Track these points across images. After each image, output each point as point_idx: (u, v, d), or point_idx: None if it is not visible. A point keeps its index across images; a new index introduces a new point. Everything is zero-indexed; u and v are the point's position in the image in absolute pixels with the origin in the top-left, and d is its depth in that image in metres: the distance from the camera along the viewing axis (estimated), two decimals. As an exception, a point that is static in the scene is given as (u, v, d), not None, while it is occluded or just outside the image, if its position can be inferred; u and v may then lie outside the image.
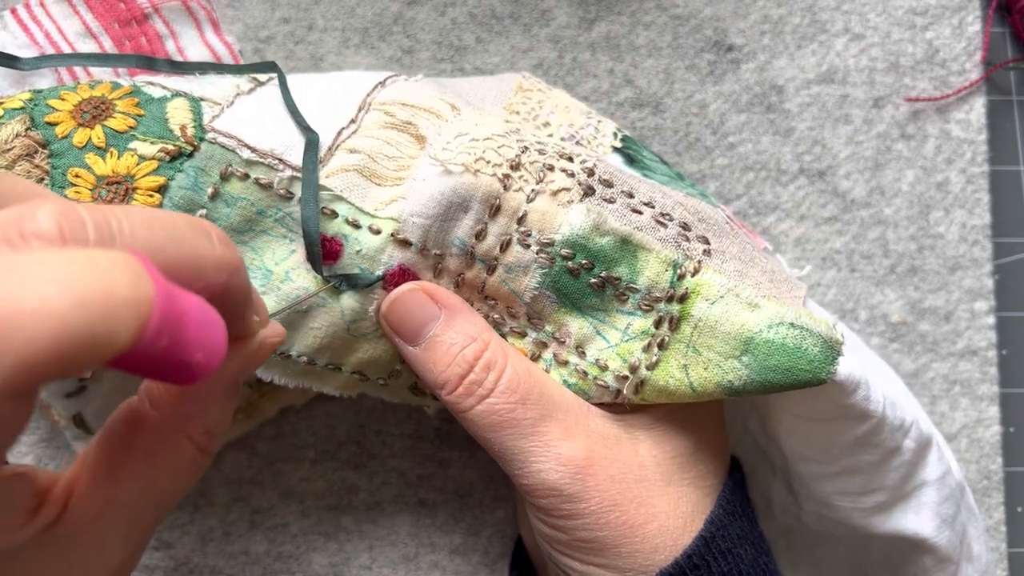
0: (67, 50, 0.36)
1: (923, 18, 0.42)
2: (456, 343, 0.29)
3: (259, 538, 0.39)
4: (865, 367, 0.29)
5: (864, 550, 0.35)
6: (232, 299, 0.22)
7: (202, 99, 0.30)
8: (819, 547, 0.37)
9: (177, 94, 0.30)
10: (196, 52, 0.38)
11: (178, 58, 0.37)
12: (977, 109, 0.42)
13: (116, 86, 0.30)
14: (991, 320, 0.41)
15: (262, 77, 0.32)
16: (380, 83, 0.31)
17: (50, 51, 0.35)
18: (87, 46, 0.36)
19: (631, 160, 0.33)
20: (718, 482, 0.30)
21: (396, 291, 0.29)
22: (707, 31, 0.42)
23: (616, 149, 0.33)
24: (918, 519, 0.31)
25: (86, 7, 0.36)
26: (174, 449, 0.24)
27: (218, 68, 0.32)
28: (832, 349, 0.27)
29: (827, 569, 0.37)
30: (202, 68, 0.32)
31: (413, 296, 0.29)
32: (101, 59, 0.33)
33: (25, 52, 0.35)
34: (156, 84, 0.30)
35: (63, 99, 0.29)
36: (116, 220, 0.18)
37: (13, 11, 0.36)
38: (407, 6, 0.41)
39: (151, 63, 0.32)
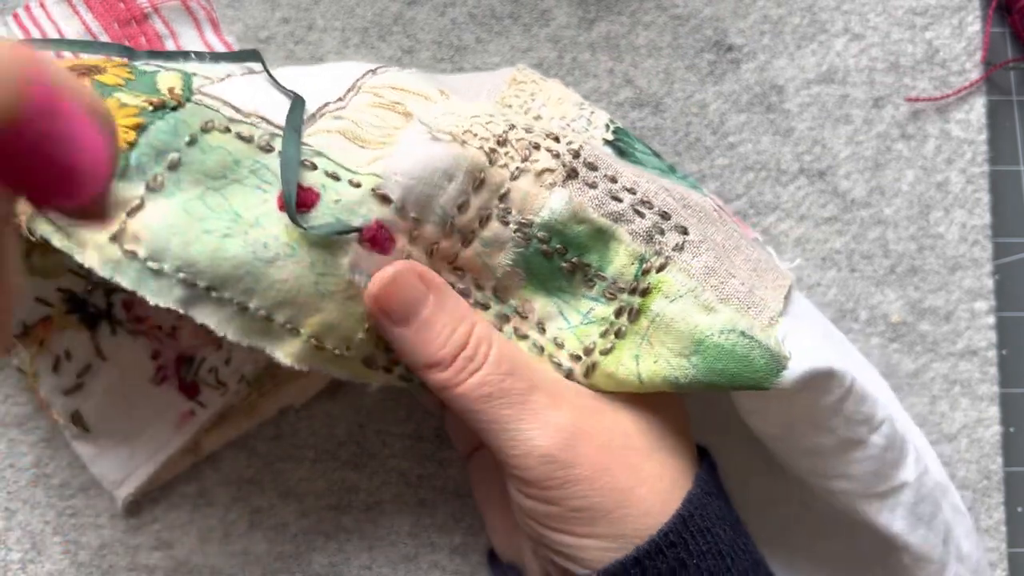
0: (66, 51, 0.36)
1: (923, 18, 0.42)
2: (448, 324, 0.29)
3: (259, 538, 0.39)
4: (834, 353, 0.30)
5: (858, 545, 0.35)
6: None
7: (194, 75, 0.30)
8: (816, 541, 0.37)
9: (169, 69, 0.30)
10: (196, 52, 0.38)
11: (178, 58, 0.37)
12: (977, 109, 0.42)
13: (111, 59, 0.30)
14: (991, 320, 0.41)
15: (255, 66, 0.32)
16: (371, 71, 0.31)
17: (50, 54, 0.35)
18: (87, 46, 0.36)
19: (622, 153, 0.33)
20: (692, 459, 0.31)
21: (385, 271, 0.28)
22: (707, 31, 0.42)
23: (607, 142, 0.33)
24: (891, 516, 0.32)
25: (86, 7, 0.36)
26: None
27: (199, 56, 0.32)
28: (778, 363, 0.28)
29: (824, 564, 0.37)
30: (184, 56, 0.32)
31: (404, 277, 0.29)
32: (82, 45, 0.33)
33: (25, 52, 0.35)
34: (150, 64, 0.30)
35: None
36: None
37: (15, 15, 0.36)
38: (407, 6, 0.41)
39: (131, 53, 0.32)
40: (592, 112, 0.34)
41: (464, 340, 0.29)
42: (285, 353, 0.29)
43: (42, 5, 0.36)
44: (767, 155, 0.41)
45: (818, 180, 0.41)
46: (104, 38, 0.36)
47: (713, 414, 0.37)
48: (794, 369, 0.28)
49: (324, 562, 0.39)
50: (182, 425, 0.37)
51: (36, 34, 0.35)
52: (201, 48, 0.38)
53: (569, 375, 0.30)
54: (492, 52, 0.41)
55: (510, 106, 0.34)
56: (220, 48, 0.38)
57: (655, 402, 0.31)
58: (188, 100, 0.28)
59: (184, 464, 0.39)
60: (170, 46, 0.37)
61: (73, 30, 0.36)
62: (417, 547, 0.39)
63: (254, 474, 0.39)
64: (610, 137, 0.34)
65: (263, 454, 0.39)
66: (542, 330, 0.30)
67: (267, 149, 0.28)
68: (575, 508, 0.28)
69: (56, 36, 0.36)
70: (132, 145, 0.27)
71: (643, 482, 0.29)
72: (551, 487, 0.28)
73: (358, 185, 0.28)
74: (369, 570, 0.39)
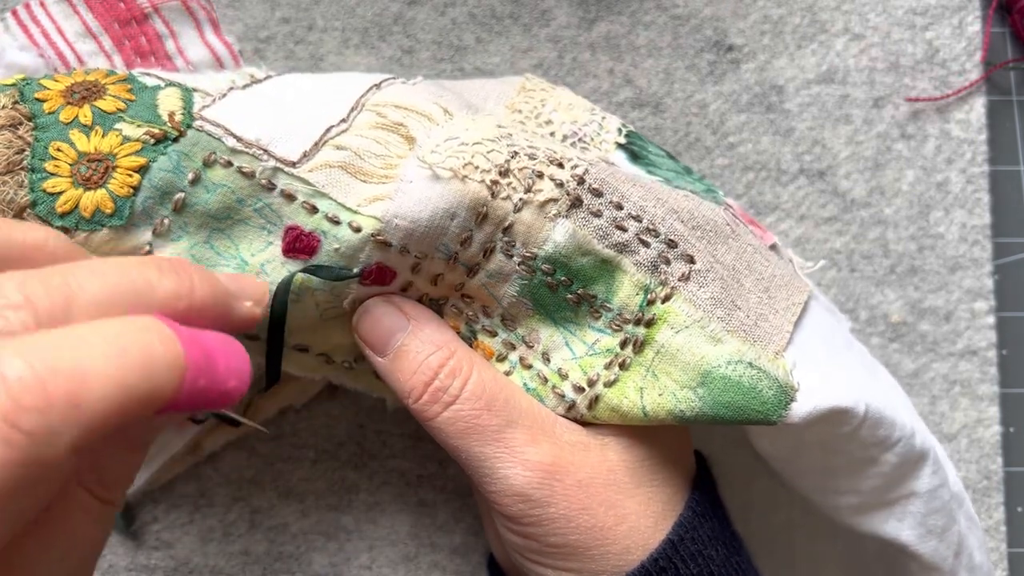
0: (66, 50, 0.36)
1: (923, 18, 0.42)
2: (422, 351, 0.29)
3: (259, 538, 0.39)
4: (863, 383, 0.29)
5: (861, 547, 0.35)
6: (211, 311, 0.23)
7: (195, 90, 0.29)
8: (818, 543, 0.37)
9: (170, 84, 0.29)
10: (196, 52, 0.38)
11: (178, 58, 0.37)
12: (977, 109, 0.42)
13: (111, 72, 0.30)
14: (991, 320, 0.41)
15: (259, 74, 0.32)
16: (376, 85, 0.31)
17: (49, 52, 0.35)
18: (87, 46, 0.36)
19: (635, 156, 0.33)
20: (686, 482, 0.31)
21: (366, 303, 0.30)
22: (707, 31, 0.42)
23: (620, 146, 0.33)
24: (900, 526, 0.31)
25: (86, 7, 0.36)
26: (73, 505, 0.23)
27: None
28: (786, 394, 0.27)
29: (826, 567, 0.37)
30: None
31: (381, 307, 0.29)
32: None
33: (25, 53, 0.35)
34: (151, 75, 0.30)
35: (56, 80, 0.29)
36: (72, 279, 0.20)
37: (14, 12, 0.36)
38: (407, 6, 0.41)
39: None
40: (604, 117, 0.34)
41: (435, 369, 0.29)
42: (297, 367, 0.31)
43: (42, 4, 0.36)
44: (767, 155, 0.41)
45: (818, 180, 0.41)
46: (104, 38, 0.36)
47: None
48: (803, 404, 0.28)
49: (324, 562, 0.39)
50: (183, 426, 0.37)
51: (36, 32, 0.35)
52: (201, 48, 0.38)
53: (572, 407, 0.30)
54: (492, 52, 0.41)
55: (520, 111, 0.33)
56: (220, 48, 0.38)
57: (653, 428, 0.30)
58: (189, 126, 0.28)
59: (184, 464, 0.39)
60: (170, 46, 0.37)
61: (73, 29, 0.36)
62: (417, 547, 0.39)
63: (254, 474, 0.39)
64: (623, 141, 0.33)
65: (263, 454, 0.39)
66: (547, 360, 0.30)
67: (269, 188, 0.28)
68: (552, 544, 0.28)
69: (56, 35, 0.35)
70: (136, 189, 0.27)
71: (624, 520, 0.28)
72: (528, 524, 0.28)
73: (358, 229, 0.28)
74: (369, 570, 0.39)
